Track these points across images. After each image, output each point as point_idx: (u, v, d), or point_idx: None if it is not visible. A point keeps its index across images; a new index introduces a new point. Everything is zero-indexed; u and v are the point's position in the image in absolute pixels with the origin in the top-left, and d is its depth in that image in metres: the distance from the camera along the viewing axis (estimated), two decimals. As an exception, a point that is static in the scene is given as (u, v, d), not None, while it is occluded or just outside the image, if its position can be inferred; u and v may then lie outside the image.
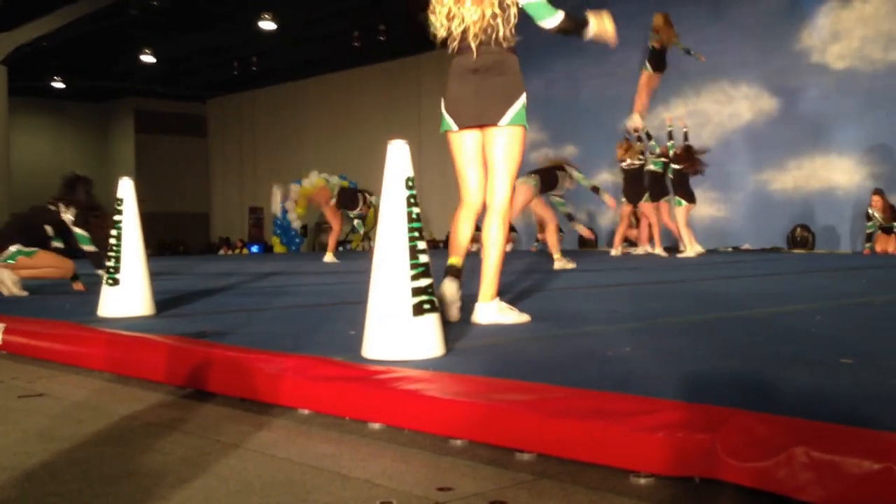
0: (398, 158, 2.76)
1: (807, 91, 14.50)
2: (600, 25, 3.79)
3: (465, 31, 3.57)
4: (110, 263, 4.35)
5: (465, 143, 3.68)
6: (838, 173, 14.20)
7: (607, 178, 17.47)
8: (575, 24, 3.72)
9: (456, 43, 3.60)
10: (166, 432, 2.15)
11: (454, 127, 3.67)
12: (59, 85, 25.86)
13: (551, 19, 3.59)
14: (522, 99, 3.58)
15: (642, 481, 1.62)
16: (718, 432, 1.56)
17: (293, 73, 25.11)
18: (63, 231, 6.20)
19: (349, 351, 2.77)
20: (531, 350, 2.95)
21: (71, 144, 28.73)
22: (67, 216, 6.12)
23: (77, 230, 6.10)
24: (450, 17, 3.59)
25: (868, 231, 12.43)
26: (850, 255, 12.75)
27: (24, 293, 6.06)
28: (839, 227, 14.20)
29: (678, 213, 12.18)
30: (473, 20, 3.52)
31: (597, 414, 1.78)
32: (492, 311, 3.60)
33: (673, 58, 14.57)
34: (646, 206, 12.72)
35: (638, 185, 12.77)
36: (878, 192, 12.37)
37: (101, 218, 6.13)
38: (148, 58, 22.43)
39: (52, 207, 6.14)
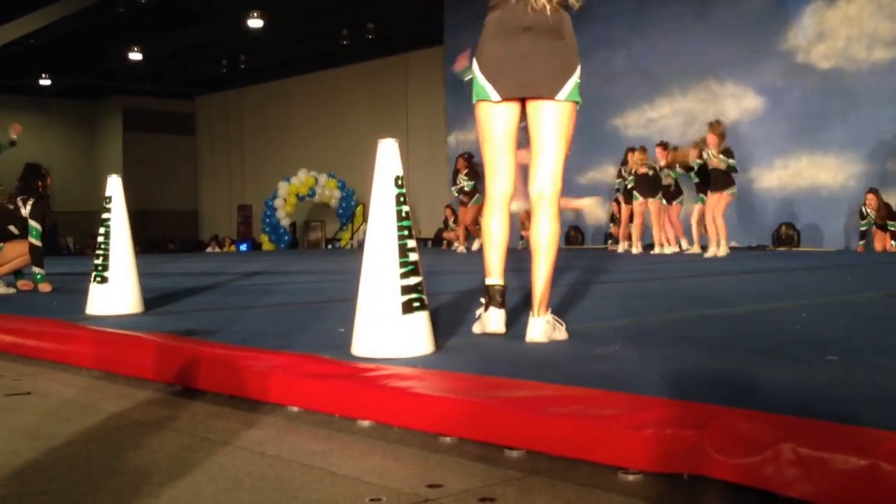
0: (388, 157, 2.76)
1: (792, 90, 14.58)
2: None
3: None
4: (98, 261, 4.34)
5: (502, 118, 3.03)
6: (823, 172, 14.28)
7: (594, 175, 17.50)
8: None
9: None
10: (155, 430, 2.15)
11: (494, 96, 2.99)
12: (46, 83, 25.73)
13: None
14: (579, 70, 3.02)
15: (630, 478, 1.63)
16: (706, 429, 1.57)
17: (281, 70, 25.06)
18: (27, 227, 6.15)
19: (338, 348, 2.77)
20: (520, 348, 2.96)
21: (58, 142, 28.57)
22: (26, 210, 6.08)
23: (31, 222, 6.04)
24: None
25: (862, 229, 12.57)
26: (834, 252, 12.83)
27: (11, 290, 6.03)
28: (824, 226, 14.29)
29: (702, 209, 11.75)
30: None
31: (585, 411, 1.79)
32: (548, 327, 2.97)
33: (659, 56, 14.62)
34: (654, 204, 12.65)
35: (654, 185, 12.64)
36: (872, 191, 12.48)
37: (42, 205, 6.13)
38: (136, 55, 22.35)
39: (11, 207, 6.10)
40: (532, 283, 2.98)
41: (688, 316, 3.93)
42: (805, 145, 14.40)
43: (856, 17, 13.94)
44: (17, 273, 6.26)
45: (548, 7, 2.89)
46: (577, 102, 3.03)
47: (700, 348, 2.84)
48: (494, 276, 3.04)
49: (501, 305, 3.02)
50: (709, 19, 15.54)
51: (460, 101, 19.08)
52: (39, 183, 6.22)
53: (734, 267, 8.55)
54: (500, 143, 3.07)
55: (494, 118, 3.04)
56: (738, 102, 15.27)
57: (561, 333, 3.04)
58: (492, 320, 3.03)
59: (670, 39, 16.00)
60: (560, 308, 4.43)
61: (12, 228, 6.09)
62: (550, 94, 2.96)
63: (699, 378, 2.29)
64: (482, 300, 3.10)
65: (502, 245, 3.07)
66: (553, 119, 2.99)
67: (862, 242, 12.52)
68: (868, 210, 12.46)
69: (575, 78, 3.00)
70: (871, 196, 12.42)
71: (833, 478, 1.37)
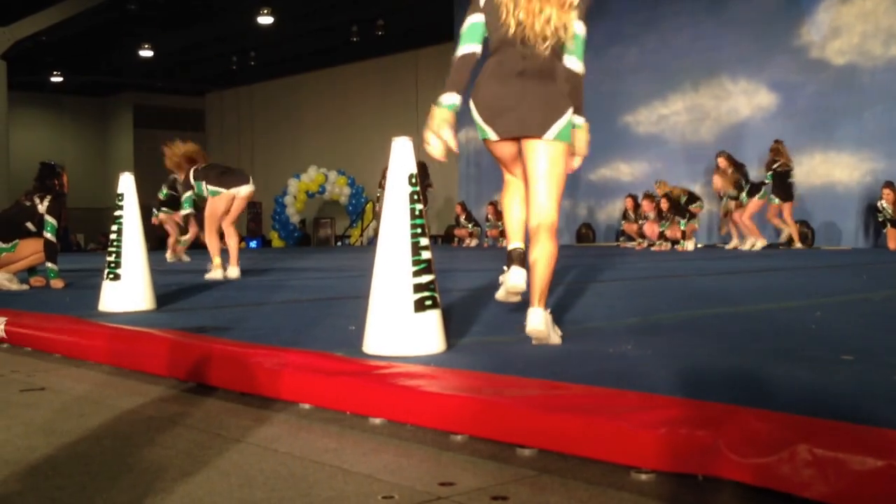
0: (401, 155, 2.76)
1: (806, 87, 14.49)
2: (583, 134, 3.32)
3: (520, 27, 3.11)
4: (111, 258, 4.35)
5: (505, 150, 3.28)
6: (838, 169, 14.19)
7: (605, 172, 17.46)
8: (580, 94, 3.29)
9: (504, 39, 3.16)
10: (168, 426, 2.15)
11: (492, 136, 3.23)
12: (57, 79, 25.82)
13: (581, 64, 3.23)
14: (570, 113, 3.16)
15: (643, 477, 1.62)
16: (721, 429, 1.56)
17: (291, 67, 25.08)
18: (43, 223, 6.18)
19: (350, 346, 2.77)
20: (532, 346, 2.96)
21: (70, 139, 28.69)
22: (42, 206, 6.10)
23: (47, 217, 6.07)
24: (510, 12, 3.14)
25: (880, 220, 12.54)
26: (850, 251, 12.77)
27: (24, 286, 6.06)
28: (839, 223, 14.20)
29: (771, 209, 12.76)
30: (536, 17, 3.11)
31: (598, 410, 1.78)
32: (548, 318, 3.10)
33: (671, 53, 14.59)
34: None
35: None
36: (888, 184, 12.40)
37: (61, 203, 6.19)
38: (146, 52, 22.40)
39: (28, 203, 6.13)
40: (531, 284, 3.14)
41: (701, 314, 3.92)
42: (819, 142, 14.32)
43: (871, 12, 13.85)
44: (31, 270, 6.29)
45: (541, 52, 3.11)
46: (568, 144, 3.19)
47: (714, 347, 2.83)
48: (515, 241, 3.27)
49: (522, 265, 3.20)
50: (722, 15, 15.47)
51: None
52: (56, 181, 6.25)
53: (748, 265, 8.52)
54: (510, 164, 3.35)
55: (499, 151, 3.30)
56: (750, 99, 15.19)
57: (556, 335, 3.10)
58: (512, 276, 3.20)
59: (683, 35, 15.92)
60: (571, 306, 4.43)
61: (29, 225, 6.12)
62: (540, 134, 3.13)
63: (713, 377, 2.28)
64: (504, 268, 3.27)
65: (522, 219, 3.33)
66: (544, 157, 3.16)
67: (886, 230, 12.47)
68: (885, 204, 12.39)
69: (564, 120, 3.14)
70: (887, 190, 12.33)
71: (850, 478, 1.36)
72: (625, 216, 15.08)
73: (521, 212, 3.34)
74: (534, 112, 3.13)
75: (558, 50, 3.15)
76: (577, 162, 3.32)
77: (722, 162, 12.76)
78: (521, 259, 3.21)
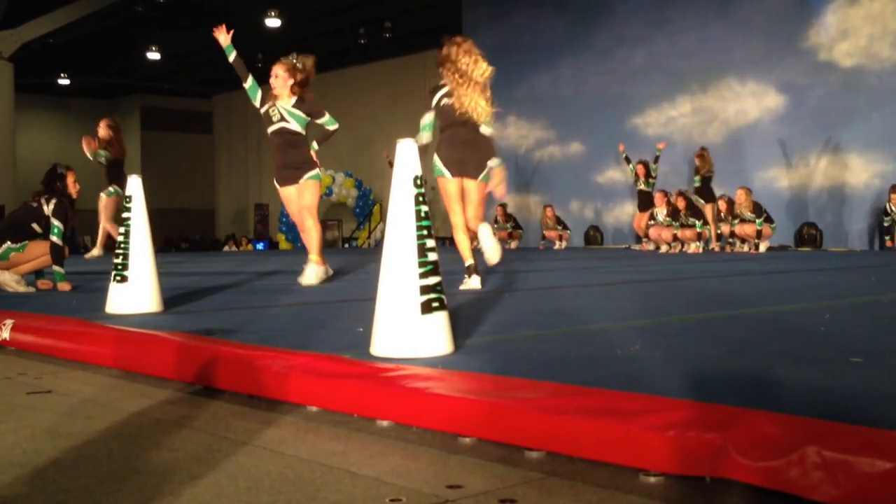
0: (407, 157, 2.76)
1: (814, 89, 14.46)
2: (499, 173, 5.61)
3: (463, 112, 5.43)
4: (118, 260, 4.36)
5: (454, 186, 5.58)
6: (846, 171, 14.16)
7: (613, 175, 17.43)
8: (493, 148, 5.73)
9: (452, 122, 5.48)
10: (175, 429, 2.15)
11: (449, 176, 5.58)
12: (65, 81, 25.91)
13: (491, 129, 5.57)
14: (492, 162, 5.56)
15: (652, 480, 1.62)
16: (730, 431, 1.55)
17: (299, 69, 25.07)
18: (49, 226, 6.19)
19: (357, 348, 2.77)
20: (540, 348, 2.95)
21: (77, 141, 28.40)
22: (48, 209, 6.12)
23: (53, 221, 6.08)
24: (464, 96, 5.40)
25: (886, 225, 12.52)
26: (858, 252, 12.73)
27: (31, 289, 6.07)
28: (847, 225, 14.17)
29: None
30: (472, 107, 5.41)
31: (606, 412, 1.77)
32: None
33: (679, 54, 14.54)
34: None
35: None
36: None
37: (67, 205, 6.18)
38: (154, 55, 22.48)
39: (35, 205, 6.14)
40: (469, 249, 5.63)
41: (710, 316, 3.91)
42: (827, 144, 14.29)
43: (879, 15, 13.82)
44: (38, 272, 6.31)
45: (475, 125, 5.49)
46: (486, 182, 5.60)
47: (722, 349, 2.82)
48: (469, 259, 5.62)
49: (477, 273, 5.59)
50: (730, 17, 15.44)
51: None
52: (59, 184, 6.27)
53: (756, 267, 8.50)
54: (456, 198, 5.59)
55: (450, 185, 5.61)
56: (758, 101, 15.16)
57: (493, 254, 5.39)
58: (472, 282, 5.51)
59: (691, 37, 15.90)
60: (579, 308, 4.42)
61: (35, 227, 6.14)
62: (475, 177, 5.61)
63: (722, 379, 2.27)
64: (465, 276, 5.57)
65: (469, 245, 5.63)
66: (477, 190, 5.63)
67: (888, 237, 12.50)
68: (893, 207, 12.37)
69: (487, 168, 5.56)
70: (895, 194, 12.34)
71: (859, 481, 1.35)
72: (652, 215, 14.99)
73: (468, 240, 5.61)
74: (472, 164, 5.56)
75: (477, 125, 5.47)
76: (502, 188, 5.64)
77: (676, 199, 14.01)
78: (475, 269, 5.58)
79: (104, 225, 10.92)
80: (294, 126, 6.56)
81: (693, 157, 14.08)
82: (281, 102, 6.60)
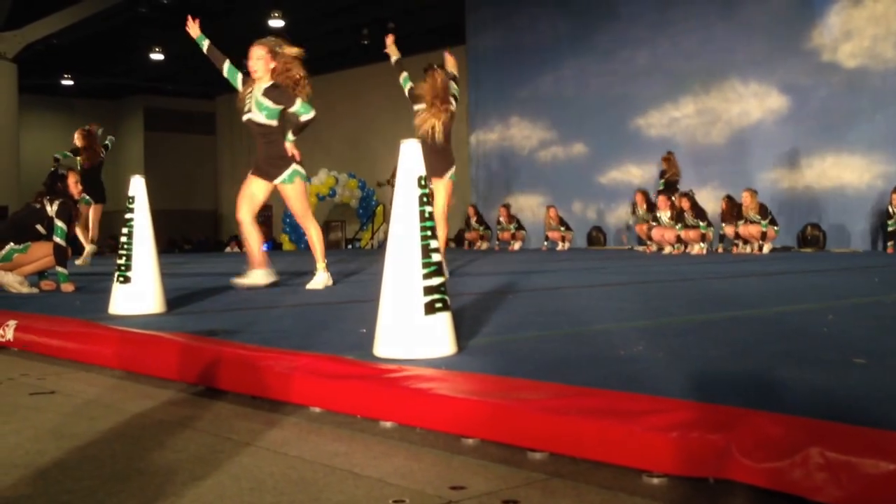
0: (410, 157, 2.76)
1: (817, 89, 14.44)
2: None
3: (432, 130, 6.76)
4: (121, 261, 4.36)
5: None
6: (849, 172, 14.14)
7: (615, 175, 17.42)
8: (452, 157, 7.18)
9: (421, 134, 6.61)
10: (178, 430, 2.15)
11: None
12: (68, 82, 25.94)
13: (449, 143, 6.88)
14: (454, 169, 7.03)
15: (655, 481, 1.62)
16: (733, 432, 1.55)
17: (301, 70, 25.09)
18: (52, 227, 6.20)
19: (360, 349, 2.77)
20: (543, 349, 2.95)
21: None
22: (52, 210, 6.13)
23: (57, 222, 6.08)
24: (424, 120, 6.76)
25: (890, 229, 12.45)
26: (861, 253, 12.71)
27: (34, 290, 6.08)
28: (850, 226, 14.15)
29: None
30: (434, 124, 6.74)
31: (609, 413, 1.77)
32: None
33: (682, 55, 14.55)
34: None
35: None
36: None
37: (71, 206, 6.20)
38: (157, 55, 22.50)
39: (38, 206, 6.15)
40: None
41: (712, 317, 3.90)
42: (830, 145, 14.27)
43: (882, 16, 13.80)
44: (41, 273, 6.31)
45: (438, 139, 6.79)
46: (453, 181, 7.01)
47: (725, 350, 2.81)
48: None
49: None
50: (732, 18, 15.43)
51: (482, 101, 19.06)
52: (60, 184, 6.28)
53: (759, 268, 8.49)
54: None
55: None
56: (761, 101, 15.15)
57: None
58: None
59: (693, 38, 15.89)
60: (581, 309, 4.42)
61: (39, 228, 6.15)
62: (441, 177, 6.89)
63: (725, 380, 2.27)
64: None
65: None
66: (443, 188, 6.94)
67: (891, 243, 12.43)
68: (895, 209, 12.34)
69: (450, 172, 6.96)
70: None
71: (863, 482, 1.35)
72: (633, 211, 15.07)
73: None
74: (438, 168, 6.76)
75: (443, 136, 6.80)
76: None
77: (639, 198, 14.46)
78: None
79: (78, 231, 10.68)
80: (260, 118, 6.02)
81: (675, 159, 14.25)
82: (257, 87, 6.06)
